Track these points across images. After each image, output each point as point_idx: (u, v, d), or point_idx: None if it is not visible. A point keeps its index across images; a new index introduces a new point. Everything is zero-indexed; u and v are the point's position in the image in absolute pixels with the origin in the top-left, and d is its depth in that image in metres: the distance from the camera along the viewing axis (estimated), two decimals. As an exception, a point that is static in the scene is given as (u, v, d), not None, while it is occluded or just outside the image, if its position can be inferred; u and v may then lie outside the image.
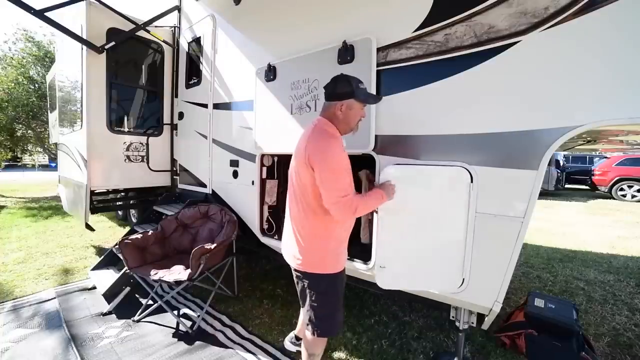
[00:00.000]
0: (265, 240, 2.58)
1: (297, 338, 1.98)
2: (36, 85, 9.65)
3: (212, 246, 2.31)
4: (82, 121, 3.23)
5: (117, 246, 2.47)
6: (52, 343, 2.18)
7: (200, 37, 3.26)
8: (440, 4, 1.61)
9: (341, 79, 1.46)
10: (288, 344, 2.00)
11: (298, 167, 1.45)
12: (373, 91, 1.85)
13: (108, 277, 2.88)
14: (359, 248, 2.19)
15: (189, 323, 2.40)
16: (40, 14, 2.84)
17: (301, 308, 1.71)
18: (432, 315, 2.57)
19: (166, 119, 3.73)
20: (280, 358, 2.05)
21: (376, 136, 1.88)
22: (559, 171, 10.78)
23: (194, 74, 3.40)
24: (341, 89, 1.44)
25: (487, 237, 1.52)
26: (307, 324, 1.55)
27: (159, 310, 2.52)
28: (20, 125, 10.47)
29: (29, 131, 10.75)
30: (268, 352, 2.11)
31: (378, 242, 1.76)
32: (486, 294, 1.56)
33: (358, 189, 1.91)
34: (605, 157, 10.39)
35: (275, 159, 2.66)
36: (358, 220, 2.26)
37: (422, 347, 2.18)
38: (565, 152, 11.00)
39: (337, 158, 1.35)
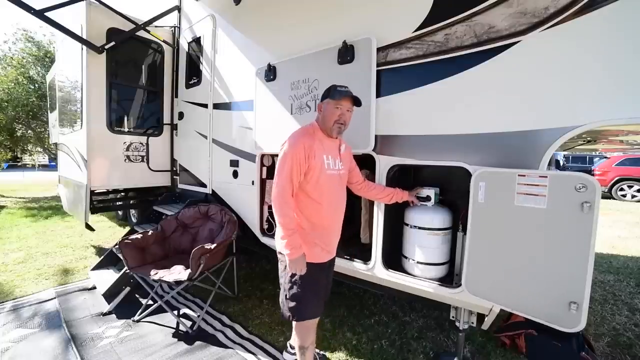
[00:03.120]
0: (265, 240, 2.58)
1: (292, 347, 1.98)
2: (36, 85, 9.64)
3: (212, 246, 2.31)
4: (82, 121, 3.23)
5: (117, 246, 2.47)
6: (52, 343, 2.18)
7: (200, 37, 3.26)
8: (440, 4, 1.61)
9: (328, 86, 1.61)
10: (287, 356, 1.99)
11: None
12: (373, 91, 1.85)
13: (108, 277, 2.88)
14: (359, 248, 2.19)
15: (189, 323, 2.40)
16: (40, 14, 2.85)
17: None
18: (432, 315, 2.57)
19: (166, 119, 3.73)
20: (280, 358, 2.05)
21: (376, 136, 1.88)
22: (559, 171, 10.77)
23: (194, 74, 3.40)
24: (324, 92, 1.61)
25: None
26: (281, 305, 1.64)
27: (159, 310, 2.52)
28: (20, 125, 10.46)
29: (29, 131, 10.75)
30: (268, 352, 2.11)
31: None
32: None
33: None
34: (605, 157, 10.38)
35: (276, 159, 2.66)
36: (358, 219, 2.26)
37: (422, 347, 2.18)
38: (565, 152, 11.00)
39: (287, 152, 1.49)
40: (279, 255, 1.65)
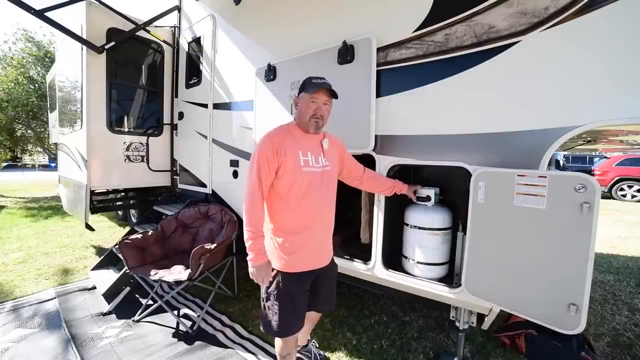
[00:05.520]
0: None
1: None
2: (36, 85, 9.64)
3: (212, 246, 2.31)
4: (82, 121, 3.23)
5: (117, 246, 2.47)
6: (52, 343, 2.18)
7: (200, 37, 3.26)
8: (440, 4, 1.60)
9: (305, 79, 1.52)
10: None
11: None
12: (373, 91, 1.85)
13: (108, 277, 2.89)
14: (359, 248, 2.20)
15: (189, 323, 2.40)
16: (40, 14, 2.84)
17: None
18: (432, 315, 2.57)
19: (166, 119, 3.73)
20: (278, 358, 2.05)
21: (376, 136, 1.88)
22: (559, 171, 10.76)
23: (194, 74, 3.40)
24: (300, 86, 1.52)
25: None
26: None
27: (159, 310, 2.52)
28: (20, 125, 10.46)
29: (29, 131, 10.74)
30: (268, 352, 2.11)
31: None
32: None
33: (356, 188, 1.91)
34: (605, 157, 10.38)
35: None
36: (358, 219, 2.26)
37: (422, 347, 2.17)
38: (565, 152, 11.00)
39: (255, 151, 1.42)
40: None
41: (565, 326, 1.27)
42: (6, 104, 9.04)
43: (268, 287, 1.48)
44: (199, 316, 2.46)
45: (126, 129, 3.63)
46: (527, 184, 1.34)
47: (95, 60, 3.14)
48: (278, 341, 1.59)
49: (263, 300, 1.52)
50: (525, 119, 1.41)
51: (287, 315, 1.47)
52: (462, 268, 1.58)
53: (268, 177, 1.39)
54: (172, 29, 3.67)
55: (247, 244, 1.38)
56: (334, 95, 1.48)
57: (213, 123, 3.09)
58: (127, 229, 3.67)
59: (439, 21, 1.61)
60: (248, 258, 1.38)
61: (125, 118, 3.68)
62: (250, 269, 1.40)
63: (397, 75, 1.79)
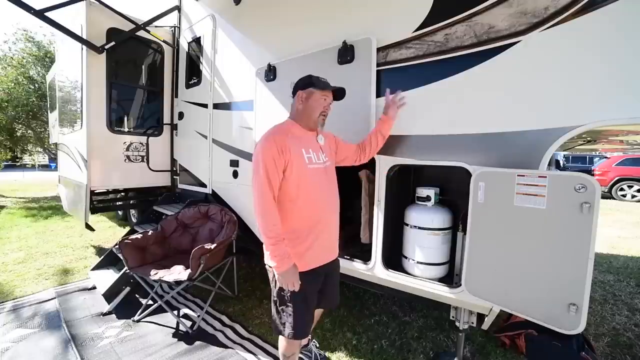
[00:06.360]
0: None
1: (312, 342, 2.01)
2: (36, 85, 9.64)
3: (212, 246, 2.31)
4: (82, 121, 3.23)
5: (117, 246, 2.47)
6: (52, 343, 2.18)
7: (200, 37, 3.26)
8: (440, 4, 1.61)
9: (302, 77, 1.53)
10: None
11: None
12: (373, 91, 1.85)
13: (108, 277, 2.88)
14: (359, 248, 2.20)
15: (189, 323, 2.40)
16: (40, 14, 2.85)
17: None
18: (432, 315, 2.57)
19: (166, 119, 3.73)
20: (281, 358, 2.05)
21: (376, 136, 1.88)
22: (559, 171, 10.75)
23: (194, 74, 3.40)
24: (301, 82, 1.51)
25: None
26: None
27: (159, 310, 2.52)
28: (20, 125, 10.46)
29: (29, 131, 10.75)
30: (268, 352, 2.11)
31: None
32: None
33: (356, 187, 1.92)
34: (605, 157, 10.38)
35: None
36: (358, 219, 2.26)
37: (422, 347, 2.17)
38: (565, 152, 11.00)
39: (258, 152, 1.37)
40: (266, 265, 1.51)
41: (565, 326, 1.27)
42: (6, 104, 9.04)
43: (281, 289, 1.43)
44: (199, 316, 2.46)
45: (126, 129, 3.63)
46: (527, 184, 1.34)
47: (95, 60, 3.14)
48: (283, 341, 1.57)
49: (275, 303, 1.47)
50: (525, 118, 1.41)
51: (303, 316, 1.46)
52: (462, 268, 1.58)
53: (276, 177, 1.36)
54: (172, 29, 3.67)
55: (268, 252, 1.33)
56: (336, 97, 1.56)
57: (213, 123, 3.09)
58: (127, 229, 3.68)
59: (439, 21, 1.61)
60: (273, 266, 1.33)
61: (125, 118, 3.68)
62: (277, 276, 1.35)
63: (397, 75, 1.79)
